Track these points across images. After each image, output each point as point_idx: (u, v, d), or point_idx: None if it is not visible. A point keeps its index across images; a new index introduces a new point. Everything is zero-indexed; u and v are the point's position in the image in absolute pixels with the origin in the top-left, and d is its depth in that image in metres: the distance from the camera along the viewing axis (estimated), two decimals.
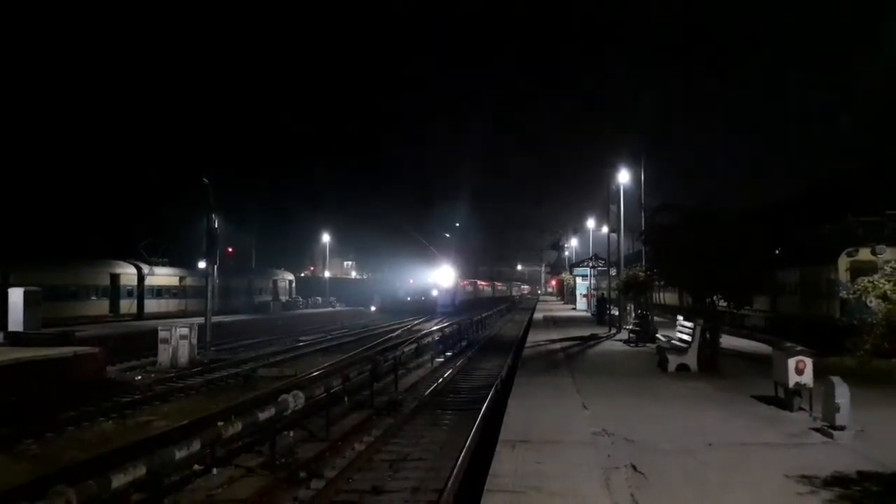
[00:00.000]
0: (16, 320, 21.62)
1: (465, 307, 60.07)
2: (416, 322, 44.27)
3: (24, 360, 15.22)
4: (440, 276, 66.25)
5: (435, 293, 63.52)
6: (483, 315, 41.88)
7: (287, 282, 55.27)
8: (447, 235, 76.94)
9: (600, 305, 32.06)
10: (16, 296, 22.15)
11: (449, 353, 25.09)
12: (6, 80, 46.28)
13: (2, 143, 44.06)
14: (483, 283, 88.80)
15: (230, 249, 54.17)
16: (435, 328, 33.06)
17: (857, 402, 8.78)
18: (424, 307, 58.50)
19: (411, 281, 66.98)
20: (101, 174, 52.25)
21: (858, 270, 17.81)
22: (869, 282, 15.35)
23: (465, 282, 75.08)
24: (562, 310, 50.23)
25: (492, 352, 26.65)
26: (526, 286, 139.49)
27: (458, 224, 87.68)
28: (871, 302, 15.32)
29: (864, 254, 18.89)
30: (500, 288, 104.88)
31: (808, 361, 9.94)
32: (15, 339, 19.11)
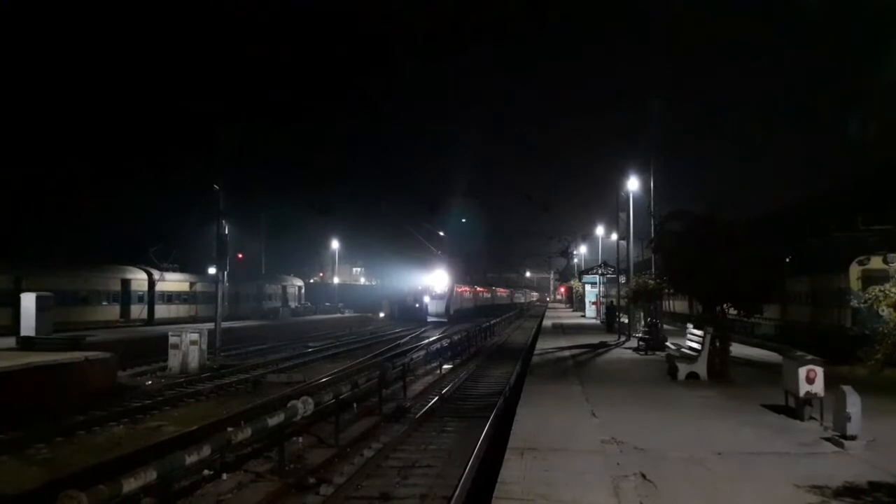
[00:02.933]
0: (28, 325, 21.79)
1: (464, 316, 55.53)
2: (424, 329, 44.28)
3: (36, 364, 15.32)
4: (432, 281, 57.21)
5: (426, 299, 55.83)
6: (490, 323, 41.76)
7: (296, 288, 55.42)
8: (441, 234, 66.63)
9: (609, 313, 31.95)
10: (28, 301, 22.33)
11: (458, 360, 25.05)
12: (20, 87, 46.78)
13: (15, 150, 44.50)
14: (482, 289, 78.30)
15: (240, 255, 54.51)
16: (443, 335, 33.05)
17: (868, 411, 8.74)
18: (417, 315, 54.28)
19: (420, 287, 59.36)
20: (112, 180, 52.70)
21: (870, 279, 17.70)
22: (880, 290, 15.26)
23: (465, 288, 65.83)
24: (571, 317, 50.11)
25: (501, 359, 26.61)
26: (535, 293, 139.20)
27: (464, 220, 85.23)
28: (882, 311, 15.23)
29: (876, 262, 18.77)
30: (500, 294, 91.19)
31: (819, 370, 9.88)
32: (27, 344, 19.26)
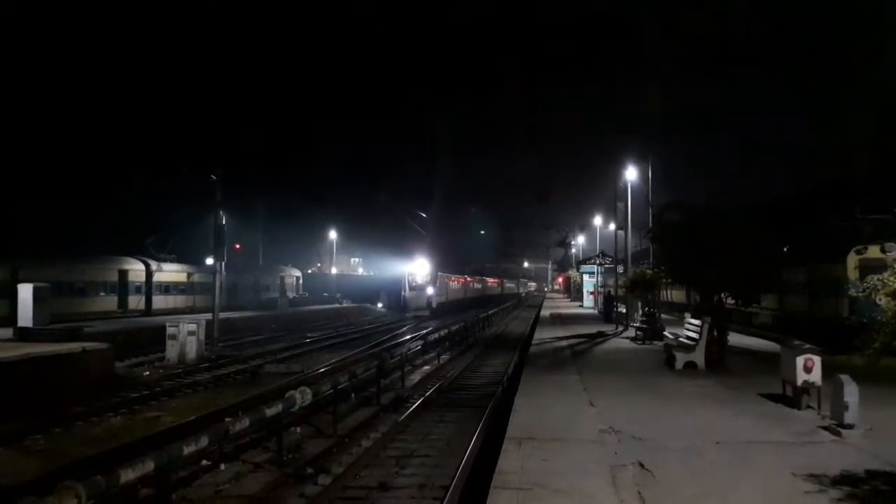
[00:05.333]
0: (25, 316, 21.78)
1: (450, 310, 50.45)
2: (423, 320, 44.24)
3: (34, 355, 15.31)
4: (413, 269, 51.15)
5: (407, 290, 50.18)
6: (487, 314, 41.73)
7: (294, 278, 55.37)
8: (423, 215, 60.90)
9: (607, 303, 32.00)
10: (25, 292, 22.31)
11: (455, 351, 25.07)
12: (16, 79, 46.54)
13: (11, 141, 44.31)
14: (471, 279, 70.86)
15: (238, 246, 54.37)
16: (441, 326, 33.06)
17: (865, 400, 8.75)
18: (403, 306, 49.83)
19: (402, 276, 52.68)
20: (108, 171, 52.51)
21: (867, 268, 17.70)
22: (878, 279, 15.23)
23: (452, 278, 58.98)
24: (569, 307, 50.14)
25: (498, 349, 26.64)
26: (532, 283, 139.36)
27: (482, 232, 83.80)
28: (880, 300, 15.22)
29: (874, 251, 18.78)
30: (491, 284, 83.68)
31: (817, 360, 9.90)
32: (24, 335, 19.23)
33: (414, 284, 50.15)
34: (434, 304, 49.29)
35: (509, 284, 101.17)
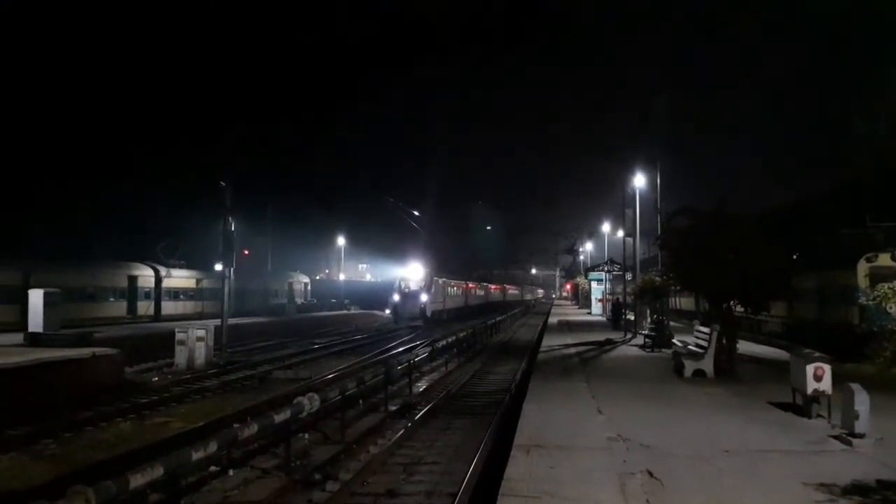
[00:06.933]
0: (36, 321, 21.89)
1: (448, 319, 46.75)
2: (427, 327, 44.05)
3: (44, 360, 15.39)
4: (407, 274, 46.45)
5: (396, 298, 45.47)
6: (492, 321, 41.59)
7: (302, 284, 55.48)
8: (416, 213, 54.35)
9: (616, 310, 31.91)
10: (36, 297, 22.43)
11: (463, 358, 25.03)
12: (23, 82, 46.98)
13: (21, 147, 44.70)
14: (473, 285, 65.87)
15: (246, 252, 54.45)
16: (448, 333, 33.01)
17: (876, 409, 8.70)
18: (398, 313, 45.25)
19: (397, 282, 47.41)
20: (118, 177, 52.87)
21: (878, 276, 17.63)
22: (889, 288, 15.19)
23: (451, 284, 54.26)
24: (577, 314, 49.98)
25: (506, 356, 26.59)
26: (540, 290, 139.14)
27: (489, 227, 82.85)
28: (890, 308, 15.16)
29: (884, 259, 18.70)
30: (494, 291, 78.16)
31: (827, 368, 9.85)
32: (35, 340, 19.35)
33: (406, 290, 45.19)
34: (429, 313, 44.47)
35: (513, 291, 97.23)
